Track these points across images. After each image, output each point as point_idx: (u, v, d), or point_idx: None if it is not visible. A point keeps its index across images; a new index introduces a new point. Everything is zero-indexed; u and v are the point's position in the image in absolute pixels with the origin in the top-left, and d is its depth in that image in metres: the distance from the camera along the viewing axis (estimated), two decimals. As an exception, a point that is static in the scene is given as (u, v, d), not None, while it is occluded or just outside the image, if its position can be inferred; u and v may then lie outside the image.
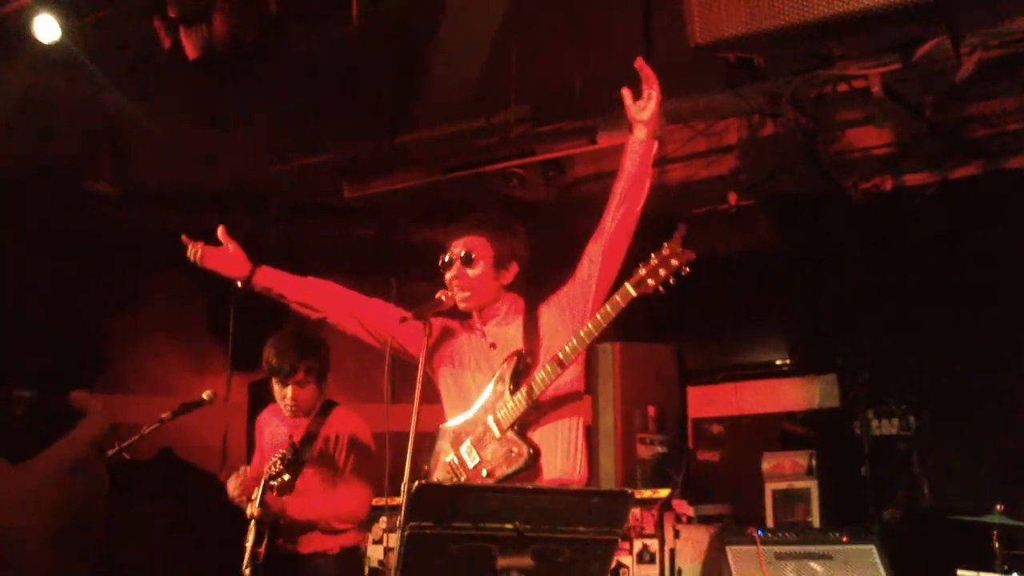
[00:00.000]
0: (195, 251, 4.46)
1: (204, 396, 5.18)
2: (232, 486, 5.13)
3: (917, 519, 6.73)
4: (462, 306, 4.27)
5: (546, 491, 3.66)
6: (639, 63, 4.17)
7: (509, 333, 4.29)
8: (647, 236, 8.01)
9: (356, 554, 5.33)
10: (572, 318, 4.20)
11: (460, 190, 7.50)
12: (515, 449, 4.03)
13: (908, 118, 6.59)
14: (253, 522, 4.98)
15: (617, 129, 6.49)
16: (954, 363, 6.86)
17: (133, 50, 5.68)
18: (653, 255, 3.89)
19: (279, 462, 4.91)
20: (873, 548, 5.40)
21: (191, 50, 5.09)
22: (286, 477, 4.88)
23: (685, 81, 6.42)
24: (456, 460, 4.14)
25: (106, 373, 8.06)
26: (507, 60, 6.40)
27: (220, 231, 4.44)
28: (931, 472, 6.88)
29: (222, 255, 4.46)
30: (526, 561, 3.28)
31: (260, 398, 8.10)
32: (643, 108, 4.16)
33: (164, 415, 5.05)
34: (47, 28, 5.54)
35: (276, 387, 5.26)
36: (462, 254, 4.24)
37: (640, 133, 4.17)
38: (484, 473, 4.05)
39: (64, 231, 7.11)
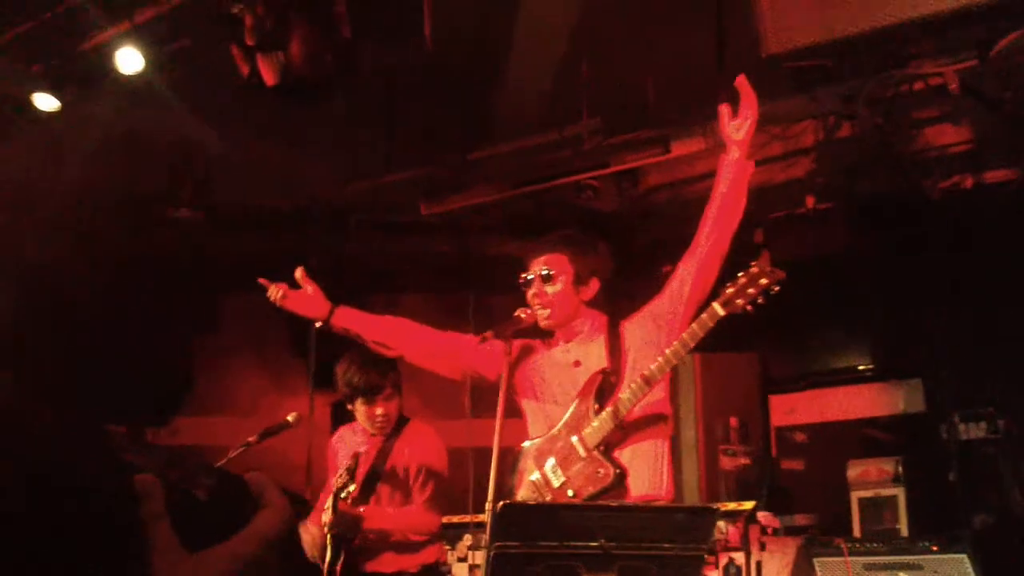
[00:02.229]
0: (276, 292, 4.50)
1: (289, 419, 5.24)
2: (305, 541, 5.19)
3: (1009, 525, 6.60)
4: (543, 324, 4.29)
5: (631, 508, 3.66)
6: (741, 80, 4.16)
7: (592, 350, 4.28)
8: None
9: (436, 572, 5.35)
10: (659, 335, 4.19)
11: (535, 204, 7.52)
12: (601, 470, 4.01)
13: (987, 114, 6.49)
14: (330, 537, 5.04)
15: (690, 138, 6.48)
16: (1042, 362, 6.74)
17: (212, 77, 5.77)
18: (741, 274, 3.91)
19: (345, 474, 4.96)
20: (965, 557, 5.31)
21: (269, 76, 5.16)
22: (351, 488, 4.91)
23: (759, 85, 6.39)
24: (540, 479, 4.12)
25: (192, 395, 8.20)
26: (578, 72, 6.40)
27: (299, 273, 4.48)
28: (1021, 476, 6.75)
29: (302, 296, 4.52)
30: (613, 579, 3.29)
31: (343, 417, 8.19)
32: (739, 128, 4.17)
33: (251, 438, 5.12)
34: (130, 60, 5.67)
35: (362, 407, 5.28)
36: (542, 272, 4.27)
37: (734, 153, 4.17)
38: (570, 493, 4.04)
39: (149, 257, 7.25)
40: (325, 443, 8.36)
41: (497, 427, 4.00)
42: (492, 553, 3.28)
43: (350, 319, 4.51)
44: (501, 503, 3.35)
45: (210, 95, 6.14)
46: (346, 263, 8.57)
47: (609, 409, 4.03)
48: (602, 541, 3.28)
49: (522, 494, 4.15)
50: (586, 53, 6.24)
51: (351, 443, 5.45)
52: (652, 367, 3.99)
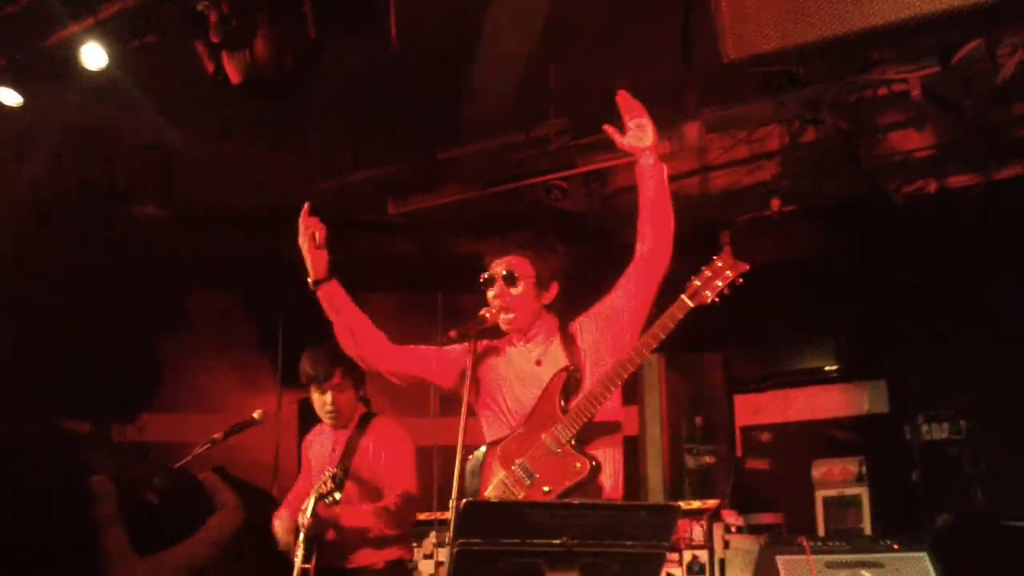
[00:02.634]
0: (313, 232, 4.56)
1: (255, 415, 5.25)
2: (278, 528, 5.20)
3: (970, 525, 6.67)
4: (505, 326, 4.31)
5: (594, 506, 3.67)
6: (622, 96, 4.25)
7: (551, 350, 4.31)
8: (692, 245, 8.01)
9: (402, 567, 5.37)
10: (608, 334, 4.25)
11: (503, 204, 7.53)
12: (578, 464, 4.03)
13: (950, 120, 6.56)
14: (302, 538, 5.05)
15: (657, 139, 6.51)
16: (1004, 366, 6.80)
17: (178, 74, 5.75)
18: (706, 268, 4.03)
19: (330, 480, 4.95)
20: (925, 555, 5.36)
21: (234, 74, 5.15)
22: (337, 496, 4.91)
23: (725, 89, 6.44)
24: (510, 478, 4.13)
25: (158, 392, 8.16)
26: (545, 73, 6.42)
27: (320, 234, 4.54)
28: (983, 477, 6.83)
29: (319, 253, 4.55)
30: (575, 576, 3.30)
31: (310, 415, 8.18)
32: (641, 137, 4.24)
33: (216, 435, 5.13)
34: (94, 56, 5.63)
35: (315, 396, 5.36)
36: (503, 273, 4.28)
37: (647, 159, 4.25)
38: (546, 489, 4.04)
39: (114, 254, 7.22)
40: (292, 440, 8.39)
41: (461, 425, 4.00)
42: (455, 550, 3.29)
43: (338, 295, 4.54)
44: (465, 500, 3.36)
45: (176, 92, 6.12)
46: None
47: (581, 405, 4.05)
48: (565, 539, 3.29)
49: (491, 494, 4.15)
50: (553, 54, 6.26)
51: (320, 442, 5.48)
52: (624, 359, 4.02)
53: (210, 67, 5.27)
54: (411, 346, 4.52)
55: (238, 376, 8.83)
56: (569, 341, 4.30)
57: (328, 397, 5.30)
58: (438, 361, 4.41)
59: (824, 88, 6.20)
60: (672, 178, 7.34)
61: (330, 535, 5.07)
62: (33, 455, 1.70)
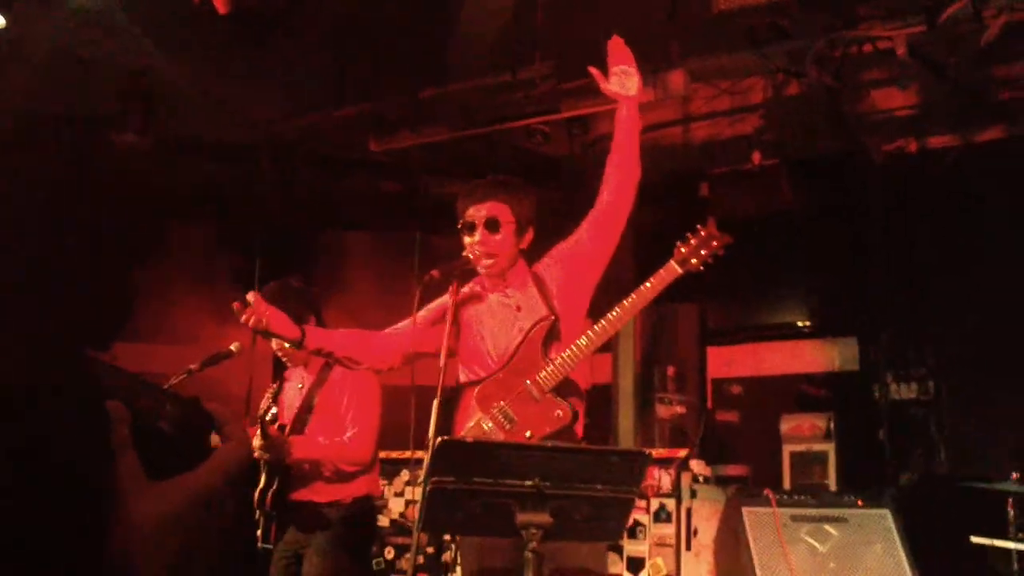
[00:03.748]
0: (251, 318, 4.36)
1: (232, 348, 5.26)
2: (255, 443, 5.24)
3: (933, 485, 6.76)
4: (486, 270, 4.35)
5: (566, 449, 3.71)
6: (614, 42, 4.38)
7: (529, 295, 4.37)
8: (673, 194, 8.03)
9: (369, 503, 5.41)
10: (574, 275, 4.35)
11: (485, 145, 7.51)
12: (559, 411, 4.13)
13: (933, 80, 6.57)
14: (263, 464, 5.12)
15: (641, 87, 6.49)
16: (975, 328, 6.86)
17: (165, 3, 5.69)
18: (691, 236, 4.20)
19: (269, 397, 5.14)
20: (888, 512, 5.44)
21: (221, 5, 5.12)
22: (274, 410, 5.03)
23: (710, 39, 6.42)
24: (489, 421, 4.18)
25: (131, 322, 8.12)
26: (533, 16, 6.39)
27: (251, 296, 4.31)
28: (948, 438, 6.91)
29: (277, 317, 4.33)
30: (544, 517, 3.34)
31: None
32: (626, 84, 4.35)
33: (192, 366, 5.13)
34: (79, -20, 5.58)
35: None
36: (486, 219, 4.31)
37: (624, 110, 4.37)
38: (527, 434, 4.12)
39: (91, 181, 7.13)
40: (266, 375, 8.39)
41: (442, 363, 4.07)
42: (428, 487, 3.32)
43: (320, 339, 4.45)
44: (440, 439, 3.39)
45: (162, 22, 6.06)
46: (293, 198, 8.53)
47: (567, 353, 4.13)
48: (536, 480, 3.33)
49: (469, 435, 4.19)
50: (541, -2, 6.24)
51: (294, 380, 5.51)
52: (610, 315, 4.14)
53: (197, -3, 5.24)
54: (397, 333, 4.50)
55: (213, 309, 8.81)
56: (541, 285, 4.37)
57: (274, 342, 5.25)
58: (424, 332, 4.41)
59: (809, 42, 6.18)
60: (654, 127, 7.43)
61: (291, 470, 5.13)
62: (55, 378, 1.71)
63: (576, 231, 4.39)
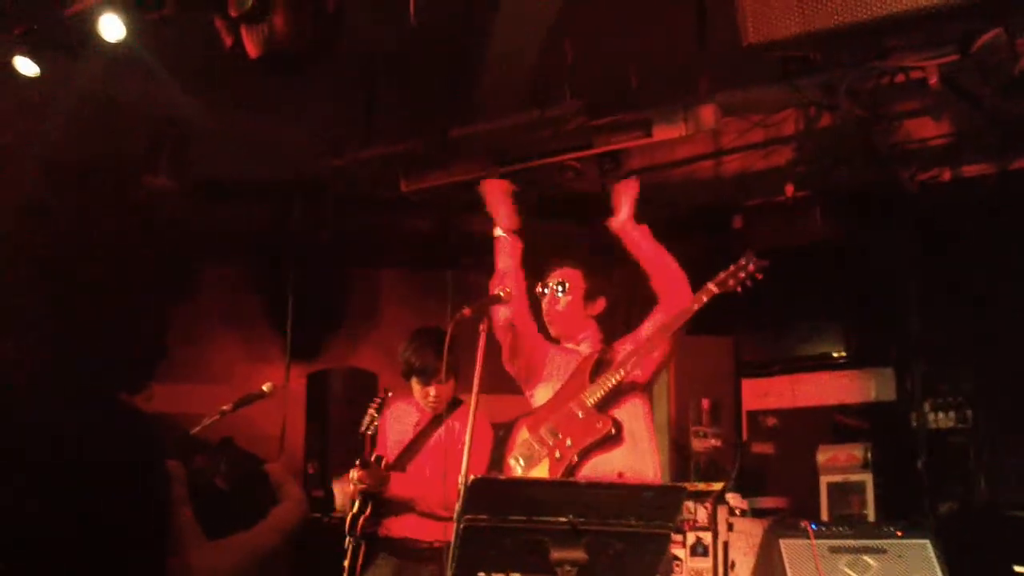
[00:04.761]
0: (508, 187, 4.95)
1: (264, 388, 5.28)
2: (337, 492, 5.30)
3: (973, 514, 6.67)
4: (551, 331, 4.74)
5: (599, 485, 3.71)
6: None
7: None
8: (705, 228, 8.01)
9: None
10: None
11: (516, 183, 7.52)
12: (599, 423, 4.34)
13: (967, 109, 6.53)
14: (359, 492, 5.20)
15: (672, 123, 6.49)
16: (1011, 355, 6.80)
17: (195, 47, 5.74)
18: (732, 265, 4.49)
19: (371, 423, 5.38)
20: (928, 543, 5.36)
21: (252, 49, 5.14)
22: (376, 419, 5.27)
23: (741, 72, 6.41)
24: (534, 438, 4.33)
25: (166, 363, 8.14)
26: (561, 53, 6.41)
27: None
28: (988, 466, 6.82)
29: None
30: (579, 554, 3.32)
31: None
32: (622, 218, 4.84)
33: (225, 407, 5.15)
34: (112, 27, 5.63)
35: (416, 386, 5.45)
36: (558, 283, 4.70)
37: (631, 232, 4.81)
38: (569, 443, 4.32)
39: (124, 224, 7.15)
40: (299, 413, 8.41)
41: (473, 402, 4.11)
42: (461, 525, 3.32)
43: (519, 246, 4.87)
44: (472, 476, 3.39)
45: (192, 65, 6.12)
46: (325, 237, 8.56)
47: (606, 375, 4.42)
48: (570, 517, 3.32)
49: (514, 454, 4.35)
50: (570, 34, 6.25)
51: (404, 417, 5.60)
52: (648, 337, 4.52)
53: (228, 40, 5.27)
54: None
55: (246, 348, 8.85)
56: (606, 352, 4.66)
57: (432, 391, 5.40)
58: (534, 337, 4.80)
59: (841, 74, 6.17)
60: (686, 161, 7.45)
61: (384, 496, 5.24)
62: (119, 435, 1.72)
63: (647, 319, 4.74)
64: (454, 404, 5.51)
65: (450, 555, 3.41)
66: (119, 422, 1.75)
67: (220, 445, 2.47)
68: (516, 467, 4.37)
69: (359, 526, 5.27)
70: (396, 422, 5.60)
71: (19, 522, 1.55)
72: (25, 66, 5.98)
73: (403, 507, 5.29)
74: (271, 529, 2.12)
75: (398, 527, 5.31)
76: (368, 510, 5.28)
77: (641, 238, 4.72)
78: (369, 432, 5.39)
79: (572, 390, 4.46)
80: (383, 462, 5.34)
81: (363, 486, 5.21)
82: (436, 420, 5.43)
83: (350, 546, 5.33)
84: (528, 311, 4.74)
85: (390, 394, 5.65)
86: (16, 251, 1.69)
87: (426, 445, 5.41)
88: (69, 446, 1.64)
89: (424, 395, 5.42)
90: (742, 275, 4.40)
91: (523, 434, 4.48)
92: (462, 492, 3.47)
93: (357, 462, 5.23)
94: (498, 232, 4.79)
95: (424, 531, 5.28)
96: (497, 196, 4.82)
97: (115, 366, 1.76)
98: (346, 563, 5.30)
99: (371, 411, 5.59)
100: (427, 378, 5.36)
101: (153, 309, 1.88)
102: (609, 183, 7.15)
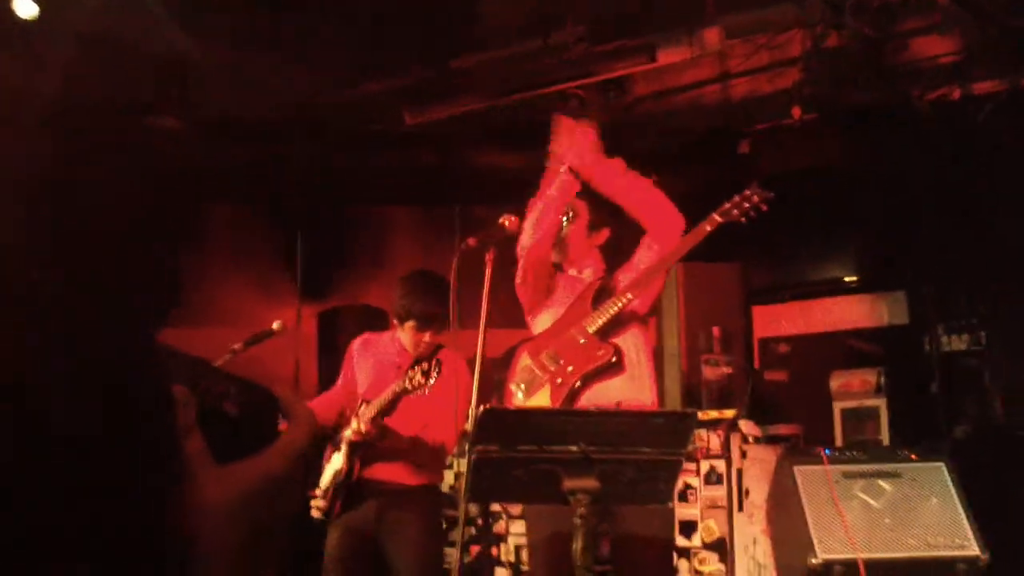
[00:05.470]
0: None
1: (274, 326, 5.27)
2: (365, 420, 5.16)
3: (988, 436, 6.66)
4: (555, 257, 4.69)
5: (610, 413, 3.70)
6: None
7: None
8: (712, 153, 7.96)
9: (436, 491, 5.43)
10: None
11: (520, 113, 7.46)
12: (600, 351, 4.31)
13: (975, 25, 6.43)
14: (347, 443, 5.10)
15: (676, 46, 6.41)
16: (1024, 277, 6.76)
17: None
18: (736, 195, 4.40)
19: (420, 374, 4.92)
20: (943, 465, 5.34)
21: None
22: (431, 381, 4.89)
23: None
24: (535, 364, 4.34)
25: (176, 304, 8.13)
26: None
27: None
28: (1002, 388, 6.80)
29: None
30: (592, 482, 3.31)
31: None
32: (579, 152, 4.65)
33: (235, 346, 5.15)
34: (106, -36, 5.56)
35: (410, 331, 5.32)
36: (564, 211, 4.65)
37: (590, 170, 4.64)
38: (570, 369, 4.29)
39: (128, 167, 7.13)
40: (311, 354, 8.41)
41: (481, 333, 4.09)
42: (472, 457, 3.31)
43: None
44: (482, 407, 3.37)
45: (192, 4, 6.05)
46: (330, 174, 8.52)
47: (607, 303, 4.38)
48: (581, 445, 3.31)
49: (515, 380, 4.35)
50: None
51: (380, 353, 5.47)
52: (649, 267, 4.44)
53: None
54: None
55: (256, 289, 8.84)
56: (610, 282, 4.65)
57: (427, 337, 5.30)
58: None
59: (846, -10, 6.08)
60: (692, 85, 7.36)
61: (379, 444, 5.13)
62: (129, 363, 1.70)
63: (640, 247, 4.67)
64: (436, 348, 5.39)
65: (463, 486, 3.40)
66: (134, 354, 1.73)
67: (228, 374, 2.46)
68: (517, 393, 4.33)
69: (355, 474, 5.16)
70: (371, 358, 5.47)
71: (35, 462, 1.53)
72: (24, 7, 5.91)
73: (393, 453, 5.17)
74: (281, 452, 2.11)
75: (383, 470, 5.22)
76: (358, 461, 5.16)
77: (612, 173, 4.57)
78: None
79: (574, 316, 4.44)
80: (371, 407, 5.13)
81: (363, 438, 5.07)
82: (417, 363, 5.33)
83: (329, 495, 5.20)
84: (551, 242, 4.67)
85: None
86: (21, 198, 1.65)
87: (407, 392, 5.28)
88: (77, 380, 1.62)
89: (417, 341, 5.31)
90: (746, 205, 4.35)
91: (524, 360, 4.45)
92: (471, 423, 3.45)
93: (361, 413, 5.08)
94: (556, 165, 4.64)
95: (411, 476, 5.23)
96: (566, 130, 4.75)
97: (129, 315, 1.73)
98: (320, 508, 5.21)
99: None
100: (426, 324, 5.26)
101: (164, 254, 1.84)
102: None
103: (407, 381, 4.89)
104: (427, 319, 5.25)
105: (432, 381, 4.84)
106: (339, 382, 5.55)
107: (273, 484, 2.01)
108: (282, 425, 2.29)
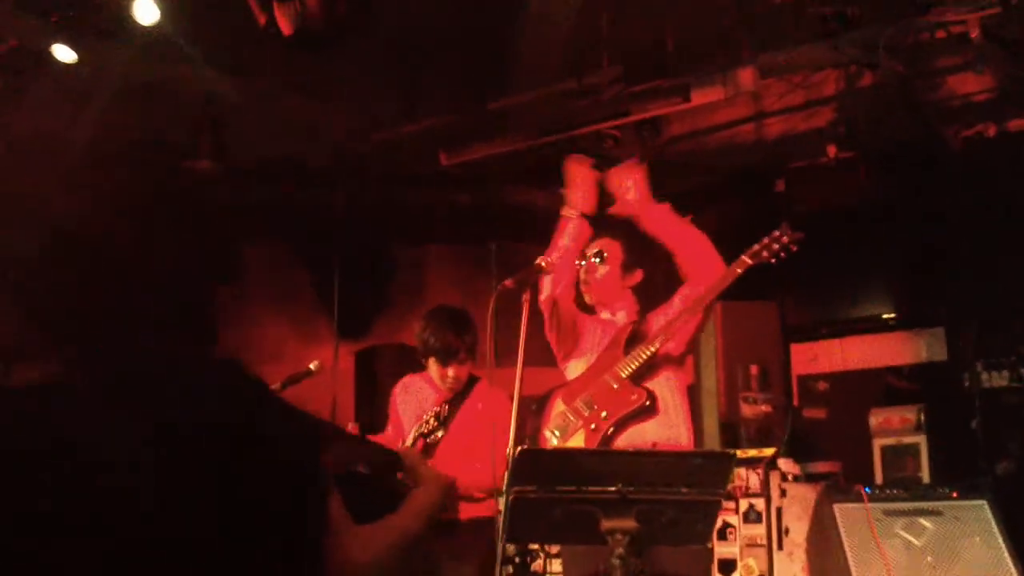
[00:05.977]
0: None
1: (311, 366, 5.30)
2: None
3: (1030, 472, 6.60)
4: (587, 300, 4.74)
5: (648, 453, 3.70)
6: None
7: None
8: (748, 192, 7.96)
9: (486, 524, 5.42)
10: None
11: (556, 152, 7.50)
12: (634, 395, 4.32)
13: (1009, 62, 6.43)
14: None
15: (710, 87, 6.44)
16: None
17: (230, 27, 5.75)
18: (766, 237, 4.42)
19: (433, 419, 5.01)
20: (985, 503, 5.29)
21: (285, 26, 5.15)
22: (439, 434, 4.94)
23: (781, 32, 6.35)
24: (569, 410, 4.35)
25: (215, 345, 8.17)
26: (597, 21, 6.37)
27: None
28: (1043, 424, 6.74)
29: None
30: (630, 523, 3.32)
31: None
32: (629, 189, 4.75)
33: (274, 386, 5.16)
34: (147, 10, 5.65)
35: (435, 366, 5.35)
36: (596, 253, 4.70)
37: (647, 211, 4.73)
38: (604, 415, 4.30)
39: (167, 210, 7.17)
40: (348, 392, 8.44)
41: (518, 374, 4.10)
42: (510, 497, 3.32)
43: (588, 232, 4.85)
44: (519, 448, 3.39)
45: (227, 46, 6.13)
46: (368, 213, 8.57)
47: (640, 347, 4.39)
48: (619, 485, 3.31)
49: (549, 427, 4.35)
50: (605, 1, 6.21)
51: (419, 394, 5.50)
52: (683, 310, 4.46)
53: (261, 19, 5.29)
54: None
55: (294, 328, 8.89)
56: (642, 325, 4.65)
57: (451, 371, 5.32)
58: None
59: (880, 30, 6.09)
60: (727, 125, 7.39)
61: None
62: (289, 431, 1.75)
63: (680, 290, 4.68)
64: (471, 382, 5.42)
65: (501, 527, 3.41)
66: (291, 420, 1.79)
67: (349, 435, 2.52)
68: (552, 439, 4.35)
69: None
70: (412, 400, 5.50)
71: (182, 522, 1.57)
72: (63, 53, 6.01)
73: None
74: (418, 513, 2.14)
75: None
76: None
77: (663, 217, 4.63)
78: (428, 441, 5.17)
79: (607, 362, 4.45)
80: (427, 442, 5.11)
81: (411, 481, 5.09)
82: (456, 400, 5.33)
83: None
84: (573, 289, 4.71)
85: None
86: (63, 243, 1.70)
87: (450, 427, 5.24)
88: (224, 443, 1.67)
89: (443, 376, 5.33)
90: (776, 247, 4.36)
91: (558, 406, 4.46)
92: (509, 464, 3.47)
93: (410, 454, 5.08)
94: (568, 212, 4.71)
95: (460, 510, 5.23)
96: (579, 177, 4.78)
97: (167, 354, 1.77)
98: None
99: (430, 419, 5.22)
100: (447, 358, 5.28)
101: (204, 296, 1.88)
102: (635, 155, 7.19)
103: (423, 425, 4.96)
104: (447, 353, 5.27)
105: (442, 434, 4.90)
106: (388, 429, 5.59)
107: (411, 543, 2.04)
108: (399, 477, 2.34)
